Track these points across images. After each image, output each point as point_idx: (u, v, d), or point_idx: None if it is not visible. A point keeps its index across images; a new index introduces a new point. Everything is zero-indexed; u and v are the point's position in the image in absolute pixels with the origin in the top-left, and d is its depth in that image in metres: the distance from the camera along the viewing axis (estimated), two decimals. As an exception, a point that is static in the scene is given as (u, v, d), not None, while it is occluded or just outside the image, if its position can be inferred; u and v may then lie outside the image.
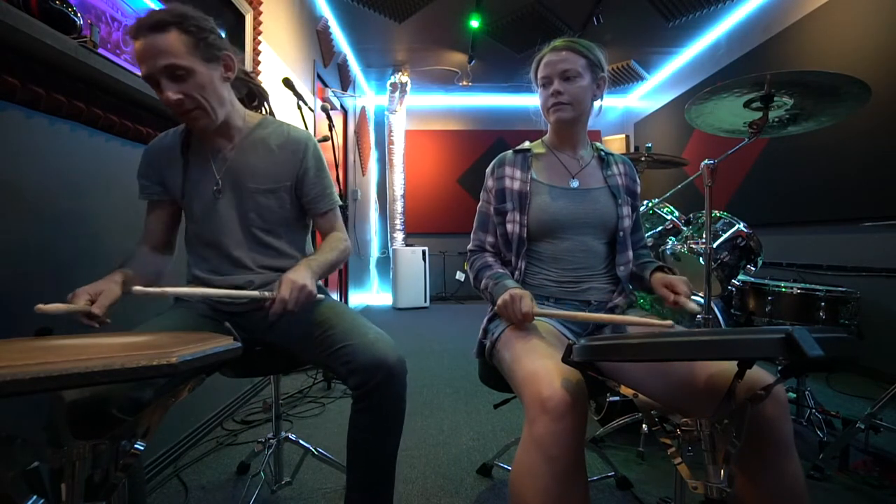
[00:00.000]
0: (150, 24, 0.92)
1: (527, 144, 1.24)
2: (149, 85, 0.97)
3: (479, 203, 1.25)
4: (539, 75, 1.17)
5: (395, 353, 1.00)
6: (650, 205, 2.16)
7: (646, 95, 5.70)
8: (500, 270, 1.14)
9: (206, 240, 1.14)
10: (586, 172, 1.19)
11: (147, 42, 0.92)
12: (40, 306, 0.78)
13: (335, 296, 1.30)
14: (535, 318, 0.99)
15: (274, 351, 1.16)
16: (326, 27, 3.93)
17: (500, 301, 1.00)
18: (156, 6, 1.79)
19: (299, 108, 2.10)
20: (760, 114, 1.42)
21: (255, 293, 0.97)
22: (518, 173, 1.17)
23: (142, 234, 1.17)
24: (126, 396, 0.80)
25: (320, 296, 1.03)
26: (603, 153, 1.24)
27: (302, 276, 0.98)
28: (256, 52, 2.42)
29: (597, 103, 1.19)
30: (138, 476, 0.97)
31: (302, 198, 1.19)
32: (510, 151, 1.23)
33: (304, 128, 2.10)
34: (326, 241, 1.20)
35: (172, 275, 1.21)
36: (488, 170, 1.23)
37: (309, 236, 1.31)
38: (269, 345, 1.16)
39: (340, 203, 1.27)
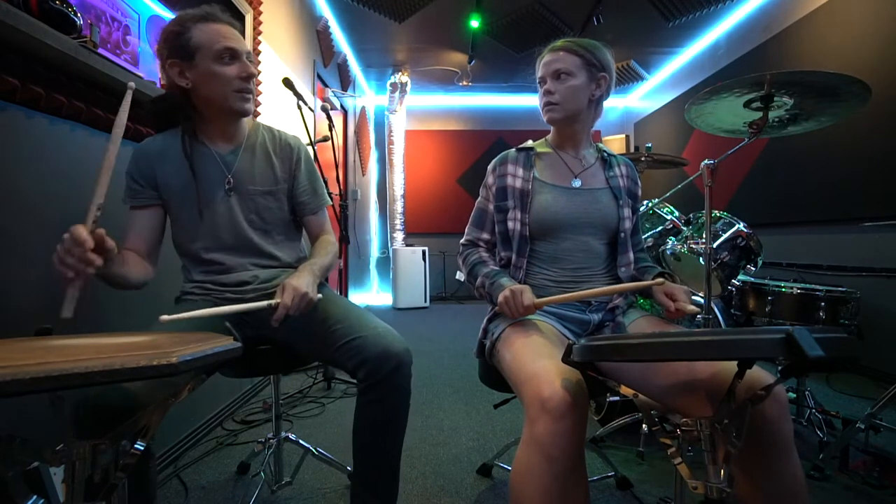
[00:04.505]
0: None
1: (530, 143, 1.24)
2: (229, 55, 1.07)
3: (478, 199, 1.25)
4: (537, 76, 1.18)
5: (402, 344, 1.04)
6: (650, 205, 2.15)
7: (646, 95, 5.69)
8: (495, 268, 1.15)
9: (207, 241, 1.15)
10: (589, 173, 1.19)
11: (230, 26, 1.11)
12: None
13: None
14: (538, 308, 0.99)
15: (278, 349, 1.17)
16: (326, 27, 3.93)
17: (500, 298, 1.00)
18: (157, 6, 1.80)
19: (299, 108, 2.10)
20: (760, 114, 1.42)
21: (264, 304, 0.99)
22: (520, 171, 1.17)
23: (124, 240, 1.08)
24: (147, 395, 0.82)
25: (319, 295, 1.05)
26: (606, 154, 1.24)
27: (304, 282, 1.02)
28: (256, 53, 2.42)
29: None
30: (150, 475, 0.96)
31: (294, 199, 1.25)
32: (513, 150, 1.23)
33: (304, 128, 2.12)
34: (319, 245, 1.25)
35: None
36: (490, 167, 1.23)
37: (303, 236, 1.35)
38: (275, 343, 1.16)
39: (330, 202, 1.33)
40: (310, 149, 1.39)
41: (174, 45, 1.06)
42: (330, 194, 1.40)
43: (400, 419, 1.06)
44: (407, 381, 1.04)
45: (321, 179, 1.31)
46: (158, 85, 1.60)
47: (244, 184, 1.17)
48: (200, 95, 1.09)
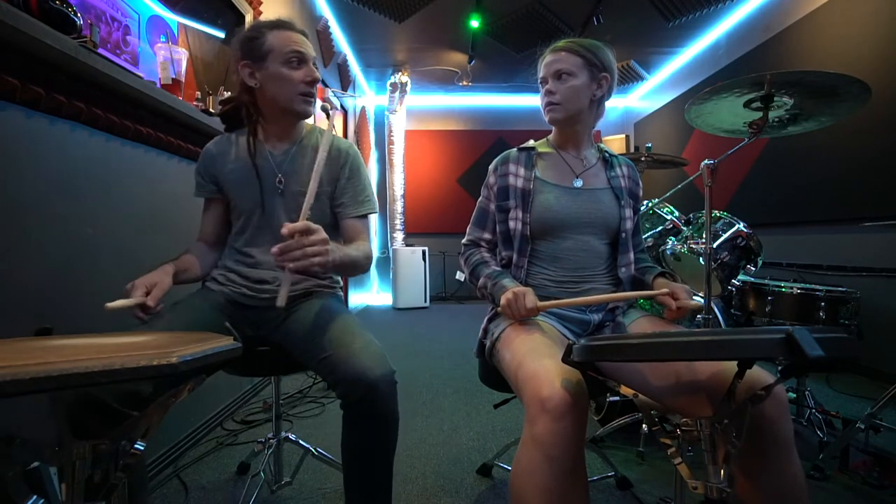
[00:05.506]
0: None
1: (531, 143, 1.24)
2: (297, 60, 1.12)
3: (479, 199, 1.25)
4: (538, 76, 1.18)
5: (381, 367, 0.94)
6: (650, 205, 2.15)
7: (646, 95, 5.69)
8: (497, 269, 1.15)
9: (249, 235, 1.19)
10: (590, 173, 1.19)
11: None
12: (108, 305, 0.87)
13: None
14: (540, 311, 0.99)
15: (277, 351, 1.16)
16: (326, 27, 3.93)
17: (503, 300, 1.00)
18: (157, 6, 1.80)
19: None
20: (760, 114, 1.42)
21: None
22: (522, 171, 1.17)
23: (199, 230, 1.25)
24: (124, 390, 0.82)
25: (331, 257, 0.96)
26: (607, 154, 1.24)
27: (326, 236, 0.92)
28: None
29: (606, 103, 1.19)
30: (140, 475, 0.97)
31: (334, 200, 1.23)
32: (514, 149, 1.23)
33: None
34: (351, 243, 1.18)
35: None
36: (491, 166, 1.23)
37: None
38: (274, 345, 1.16)
39: (374, 211, 1.26)
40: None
41: (248, 48, 1.12)
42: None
43: (382, 443, 0.98)
44: (387, 405, 0.94)
45: (368, 187, 1.25)
46: (159, 85, 1.60)
47: (291, 184, 1.19)
48: (266, 95, 1.14)
